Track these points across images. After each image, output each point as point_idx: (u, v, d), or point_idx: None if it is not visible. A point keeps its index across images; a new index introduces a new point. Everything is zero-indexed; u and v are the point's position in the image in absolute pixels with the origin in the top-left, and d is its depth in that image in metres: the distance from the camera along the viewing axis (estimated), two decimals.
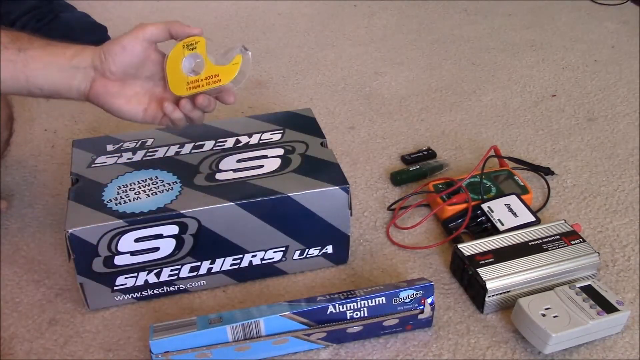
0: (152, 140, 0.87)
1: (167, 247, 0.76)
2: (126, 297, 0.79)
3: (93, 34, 1.39)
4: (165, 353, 0.67)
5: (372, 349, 0.74)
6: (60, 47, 0.71)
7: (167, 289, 0.80)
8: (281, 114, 0.95)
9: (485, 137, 1.12)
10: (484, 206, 0.89)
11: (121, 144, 0.87)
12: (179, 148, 0.86)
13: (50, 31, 1.32)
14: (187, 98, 0.73)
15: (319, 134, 0.89)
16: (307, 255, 0.83)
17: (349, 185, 0.79)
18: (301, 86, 1.29)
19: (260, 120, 0.92)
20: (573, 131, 1.13)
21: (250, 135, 0.88)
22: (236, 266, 0.81)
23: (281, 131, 0.89)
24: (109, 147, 0.86)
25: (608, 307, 0.72)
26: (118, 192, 0.77)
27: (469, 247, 0.80)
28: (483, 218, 0.88)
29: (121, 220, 0.73)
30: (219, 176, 0.80)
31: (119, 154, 0.85)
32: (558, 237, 0.81)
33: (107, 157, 0.84)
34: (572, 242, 0.80)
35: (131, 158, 0.84)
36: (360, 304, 0.71)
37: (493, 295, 0.76)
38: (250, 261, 0.81)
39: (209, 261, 0.79)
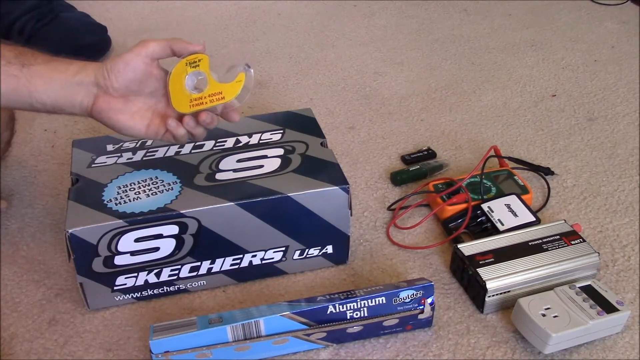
0: (152, 140, 0.87)
1: (167, 247, 0.76)
2: (126, 297, 0.79)
3: (93, 34, 1.39)
4: (165, 353, 0.67)
5: (372, 349, 0.74)
6: (64, 62, 0.71)
7: (167, 289, 0.80)
8: (281, 114, 0.95)
9: (485, 137, 1.12)
10: (484, 206, 0.89)
11: (121, 144, 0.87)
12: (179, 148, 0.86)
13: (50, 31, 1.33)
14: (190, 115, 0.74)
15: (319, 134, 0.89)
16: (307, 255, 0.83)
17: (349, 185, 0.79)
18: (301, 86, 1.29)
19: (260, 120, 0.92)
20: (573, 131, 1.13)
21: (250, 135, 0.88)
22: (236, 266, 0.81)
23: (281, 131, 0.89)
24: (109, 147, 0.86)
25: (608, 307, 0.72)
26: (118, 192, 0.77)
27: (469, 247, 0.80)
28: (483, 218, 0.88)
29: (121, 220, 0.73)
30: (219, 176, 0.80)
31: (119, 154, 0.85)
32: (558, 237, 0.81)
33: (107, 157, 0.84)
34: (572, 242, 0.80)
35: (131, 158, 0.84)
36: (360, 304, 0.71)
37: (493, 295, 0.76)
38: (250, 261, 0.81)
39: (209, 261, 0.79)
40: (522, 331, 0.73)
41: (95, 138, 0.91)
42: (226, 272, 0.81)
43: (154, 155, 0.84)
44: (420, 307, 0.73)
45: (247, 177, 0.80)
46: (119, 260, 0.75)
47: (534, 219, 0.86)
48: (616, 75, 1.30)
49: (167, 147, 0.86)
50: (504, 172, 0.98)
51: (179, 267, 0.78)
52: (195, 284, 0.81)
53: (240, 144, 0.87)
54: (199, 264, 0.79)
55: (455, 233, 0.87)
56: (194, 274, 0.80)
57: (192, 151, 0.85)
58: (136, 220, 0.73)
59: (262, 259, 0.81)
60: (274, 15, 1.61)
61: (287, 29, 1.54)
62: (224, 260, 0.80)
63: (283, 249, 0.81)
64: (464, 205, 0.90)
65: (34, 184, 1.01)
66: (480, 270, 0.76)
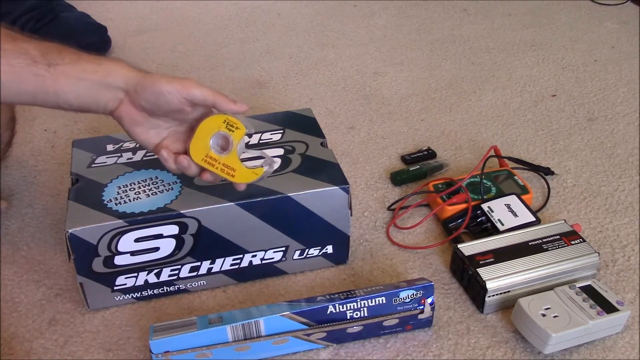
0: None
1: (167, 247, 0.76)
2: (126, 297, 0.79)
3: (93, 34, 1.39)
4: (165, 353, 0.67)
5: (372, 349, 0.74)
6: (92, 62, 0.69)
7: (167, 289, 0.80)
8: (281, 114, 0.95)
9: (485, 137, 1.12)
10: (484, 206, 0.89)
11: (121, 144, 0.87)
12: None
13: (50, 31, 1.33)
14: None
15: (319, 134, 0.89)
16: (307, 255, 0.83)
17: (349, 185, 0.79)
18: (301, 86, 1.29)
19: (260, 120, 0.92)
20: (573, 131, 1.13)
21: (250, 135, 0.88)
22: (236, 266, 0.81)
23: (281, 131, 0.89)
24: (109, 147, 0.86)
25: (608, 307, 0.72)
26: (118, 192, 0.77)
27: (469, 247, 0.80)
28: (483, 218, 0.88)
29: (121, 220, 0.73)
30: None
31: (119, 154, 0.85)
32: (558, 237, 0.81)
33: (107, 157, 0.84)
34: (572, 242, 0.80)
35: (131, 158, 0.84)
36: (360, 304, 0.71)
37: (493, 295, 0.76)
38: (250, 261, 0.81)
39: (209, 261, 0.79)
40: (522, 331, 0.73)
41: (95, 138, 0.91)
42: (226, 272, 0.81)
43: (154, 155, 0.84)
44: (420, 307, 0.73)
45: None
46: (119, 260, 0.75)
47: (534, 219, 0.86)
48: (616, 75, 1.30)
49: None
50: (504, 172, 0.98)
51: (179, 267, 0.78)
52: (195, 284, 0.81)
53: None
54: (199, 264, 0.79)
55: (455, 233, 0.87)
56: (194, 274, 0.80)
57: None
58: (136, 220, 0.73)
59: (262, 259, 0.81)
60: (274, 15, 1.61)
61: (287, 29, 1.54)
62: (224, 260, 0.80)
63: (283, 249, 0.81)
64: (464, 205, 0.90)
65: (34, 184, 1.01)
66: (480, 270, 0.76)
